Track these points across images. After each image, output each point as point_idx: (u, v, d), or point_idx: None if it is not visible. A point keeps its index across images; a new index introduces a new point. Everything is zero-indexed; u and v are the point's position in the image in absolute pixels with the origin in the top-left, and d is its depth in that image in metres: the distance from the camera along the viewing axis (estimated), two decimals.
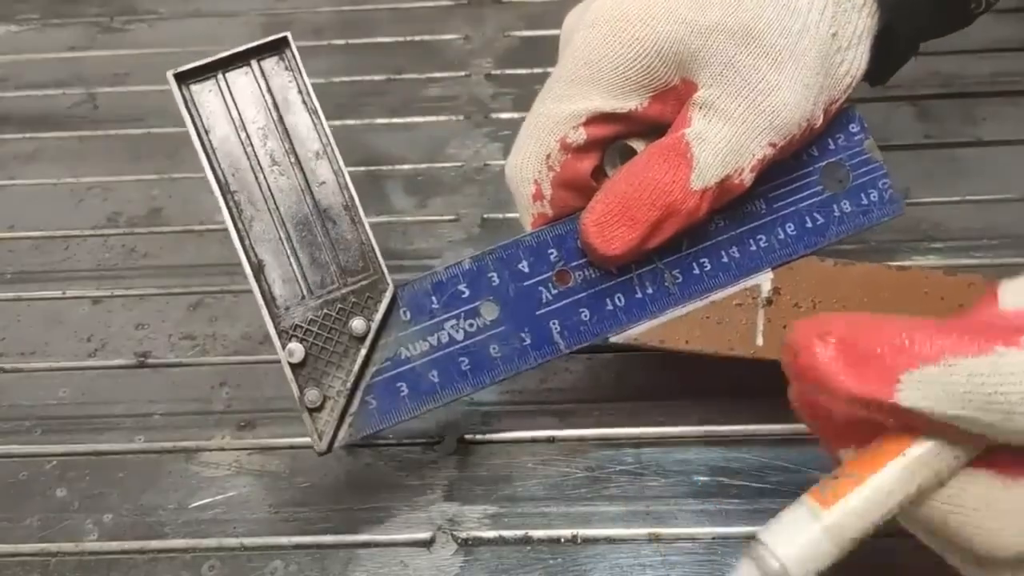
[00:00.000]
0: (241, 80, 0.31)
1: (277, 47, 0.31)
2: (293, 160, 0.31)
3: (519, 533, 0.31)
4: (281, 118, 0.31)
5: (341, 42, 0.55)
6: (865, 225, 0.32)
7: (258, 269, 0.30)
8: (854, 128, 0.33)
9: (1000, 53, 0.49)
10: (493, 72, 0.52)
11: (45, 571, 0.31)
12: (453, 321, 0.31)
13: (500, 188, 0.44)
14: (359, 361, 0.30)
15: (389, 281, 0.31)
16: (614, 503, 0.32)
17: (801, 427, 0.33)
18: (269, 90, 0.31)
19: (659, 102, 0.30)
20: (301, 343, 0.30)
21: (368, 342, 0.30)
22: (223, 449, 0.35)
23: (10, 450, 0.35)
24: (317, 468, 0.34)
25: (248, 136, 0.30)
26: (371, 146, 0.48)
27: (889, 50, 0.32)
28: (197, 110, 0.30)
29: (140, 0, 0.60)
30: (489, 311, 0.31)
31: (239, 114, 0.30)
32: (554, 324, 0.31)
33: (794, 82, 0.29)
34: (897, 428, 0.22)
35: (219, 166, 0.30)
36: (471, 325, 0.31)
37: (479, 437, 0.34)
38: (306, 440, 0.34)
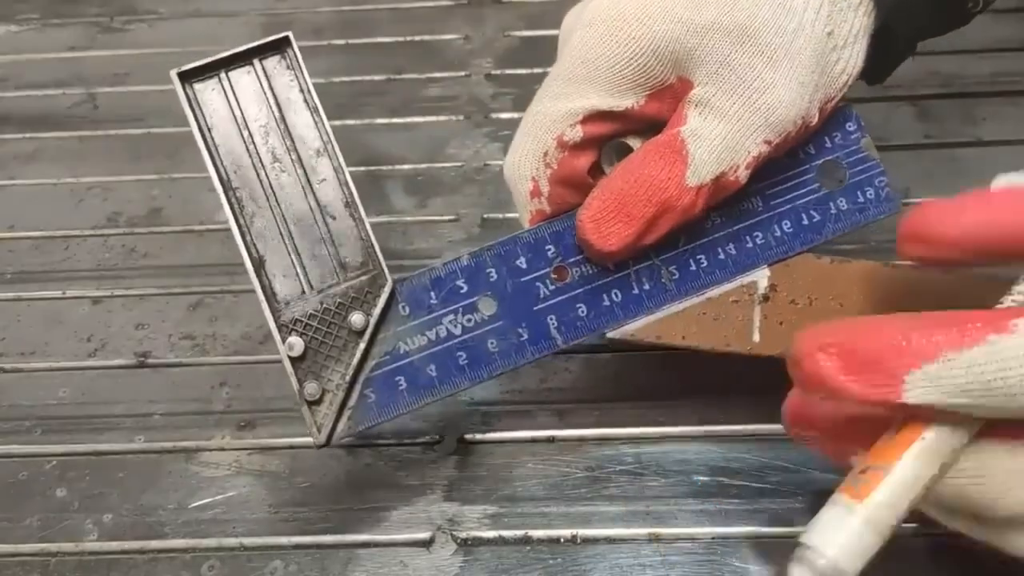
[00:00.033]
0: (244, 79, 0.31)
1: (279, 47, 0.31)
2: (294, 157, 0.31)
3: (519, 533, 0.31)
4: (283, 116, 0.31)
5: (341, 42, 0.55)
6: (861, 222, 0.32)
7: (259, 264, 0.31)
8: (851, 126, 0.33)
9: (1000, 53, 0.49)
10: (493, 72, 0.52)
11: (45, 571, 0.31)
12: (451, 316, 0.31)
13: (500, 188, 0.44)
14: (358, 355, 0.30)
15: (388, 276, 0.31)
16: (614, 503, 0.32)
17: None
18: (271, 89, 0.31)
19: (656, 100, 0.31)
20: (301, 337, 0.30)
21: (367, 336, 0.31)
22: (223, 449, 0.35)
23: (10, 450, 0.35)
24: (317, 468, 0.34)
25: (250, 134, 0.31)
26: (371, 146, 0.48)
27: (886, 49, 0.32)
28: (200, 108, 0.31)
29: (140, 0, 0.60)
30: (487, 306, 0.31)
31: (241, 112, 0.31)
32: (551, 319, 0.31)
33: (789, 80, 0.29)
34: (907, 419, 0.24)
35: (221, 163, 0.31)
36: (469, 320, 0.31)
37: (479, 437, 0.34)
38: (306, 440, 0.34)
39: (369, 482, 0.33)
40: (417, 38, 0.55)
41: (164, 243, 0.43)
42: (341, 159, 0.31)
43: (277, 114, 0.31)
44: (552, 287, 0.31)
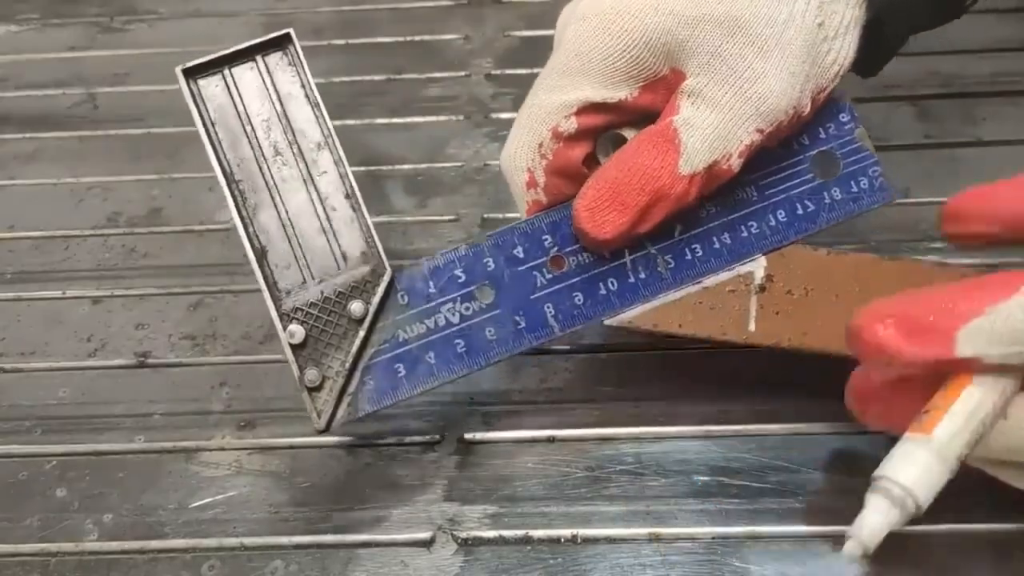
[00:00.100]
0: (246, 75, 0.32)
1: (281, 43, 0.32)
2: (296, 151, 0.32)
3: (519, 533, 0.31)
4: (284, 111, 0.32)
5: (341, 42, 0.55)
6: (856, 212, 0.33)
7: (261, 254, 0.31)
8: (844, 117, 0.33)
9: (1000, 53, 0.49)
10: (493, 72, 0.52)
11: (45, 571, 0.31)
12: (449, 305, 0.31)
13: (500, 188, 0.44)
14: (357, 343, 0.31)
15: (387, 266, 0.32)
16: (614, 503, 0.32)
17: (801, 427, 0.34)
18: (273, 84, 0.32)
19: (649, 92, 0.31)
20: (302, 325, 0.31)
21: (366, 324, 0.31)
22: (223, 449, 0.35)
23: (10, 450, 0.35)
24: (317, 468, 0.34)
25: (252, 128, 0.32)
26: (371, 146, 0.48)
27: (879, 41, 0.32)
28: (204, 104, 0.32)
29: (140, 0, 0.60)
30: (485, 295, 0.32)
31: (244, 107, 0.32)
32: (548, 308, 0.31)
33: (780, 70, 0.29)
34: (960, 372, 0.26)
35: (225, 157, 0.31)
36: (467, 309, 0.31)
37: (479, 437, 0.34)
38: (307, 440, 0.35)
39: (369, 482, 0.33)
40: (417, 38, 0.55)
41: (164, 243, 0.43)
42: (341, 152, 0.32)
43: (279, 109, 0.32)
44: (549, 276, 0.32)
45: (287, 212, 0.32)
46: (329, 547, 0.32)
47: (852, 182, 0.33)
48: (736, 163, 0.30)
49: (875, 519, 0.25)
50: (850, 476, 0.32)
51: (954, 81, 0.47)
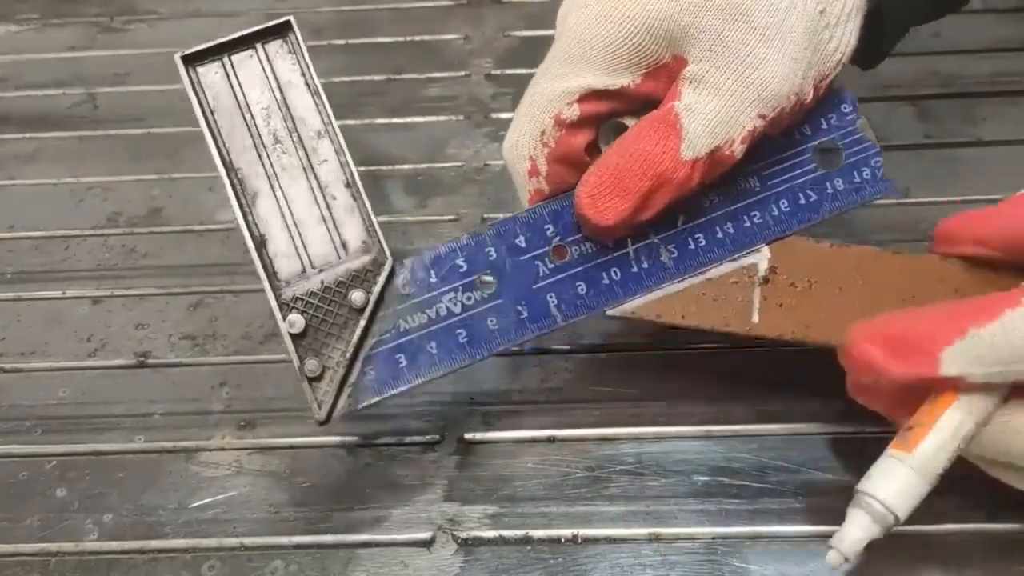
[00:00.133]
0: (246, 62, 0.32)
1: (281, 31, 0.32)
2: (296, 139, 0.32)
3: (519, 533, 0.31)
4: (284, 99, 0.32)
5: (341, 42, 0.55)
6: (858, 202, 0.33)
7: (260, 244, 0.31)
8: (846, 108, 0.33)
9: (1000, 53, 0.49)
10: (493, 72, 0.52)
11: (45, 571, 0.31)
12: (451, 294, 0.31)
13: (500, 188, 0.44)
14: (358, 332, 0.31)
15: (388, 255, 0.32)
16: (614, 503, 0.32)
17: (801, 427, 0.34)
18: (273, 72, 0.32)
19: (651, 79, 0.31)
20: (302, 315, 0.31)
21: (367, 314, 0.31)
22: (223, 449, 0.35)
23: (10, 450, 0.35)
24: (317, 468, 0.34)
25: (252, 116, 0.31)
26: (371, 146, 0.48)
27: (880, 31, 0.32)
28: (203, 91, 0.31)
29: (140, 0, 0.60)
30: (486, 285, 0.31)
31: (244, 95, 0.32)
32: (551, 297, 0.31)
33: (782, 56, 0.29)
34: (945, 388, 0.27)
35: (223, 145, 0.31)
36: (469, 298, 0.31)
37: (479, 437, 0.34)
38: (307, 440, 0.35)
39: (369, 482, 0.33)
40: (417, 38, 0.55)
41: (164, 243, 0.43)
42: (342, 140, 0.32)
43: (279, 96, 0.32)
44: (551, 265, 0.32)
45: (287, 201, 0.31)
46: (329, 547, 0.32)
47: (854, 172, 0.33)
48: (739, 149, 0.30)
49: (856, 533, 0.27)
50: (850, 476, 0.32)
51: (954, 81, 0.47)
